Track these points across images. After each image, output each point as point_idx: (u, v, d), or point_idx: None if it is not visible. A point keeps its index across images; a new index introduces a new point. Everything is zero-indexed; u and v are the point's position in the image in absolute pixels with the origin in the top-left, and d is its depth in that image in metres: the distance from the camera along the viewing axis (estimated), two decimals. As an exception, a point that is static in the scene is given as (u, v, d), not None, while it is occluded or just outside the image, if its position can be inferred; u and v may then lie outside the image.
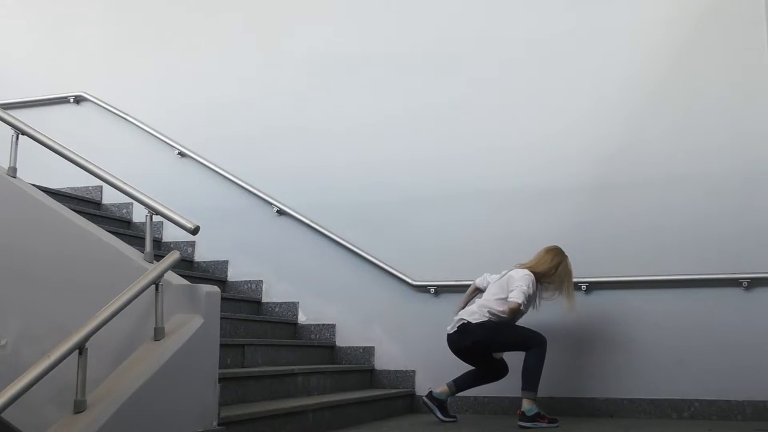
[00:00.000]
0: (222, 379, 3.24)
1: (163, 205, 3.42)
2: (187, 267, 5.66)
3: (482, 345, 4.42)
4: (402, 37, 5.63)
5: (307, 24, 5.93)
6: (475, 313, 4.40)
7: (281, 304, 5.58)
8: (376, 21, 5.75)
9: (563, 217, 4.99)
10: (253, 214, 5.77)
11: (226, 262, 5.80)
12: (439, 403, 4.45)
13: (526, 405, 4.21)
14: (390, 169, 5.45)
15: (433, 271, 5.19)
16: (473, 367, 4.55)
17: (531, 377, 4.27)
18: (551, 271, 4.46)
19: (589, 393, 4.77)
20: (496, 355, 4.58)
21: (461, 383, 4.51)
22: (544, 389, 4.44)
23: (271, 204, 5.70)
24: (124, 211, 6.09)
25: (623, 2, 5.11)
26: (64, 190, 5.86)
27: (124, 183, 3.51)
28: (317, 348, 5.25)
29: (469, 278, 4.86)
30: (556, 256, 4.51)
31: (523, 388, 4.26)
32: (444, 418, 4.43)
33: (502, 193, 5.04)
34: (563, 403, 4.77)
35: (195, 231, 3.41)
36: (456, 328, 4.42)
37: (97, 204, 6.15)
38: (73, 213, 3.53)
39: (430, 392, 4.49)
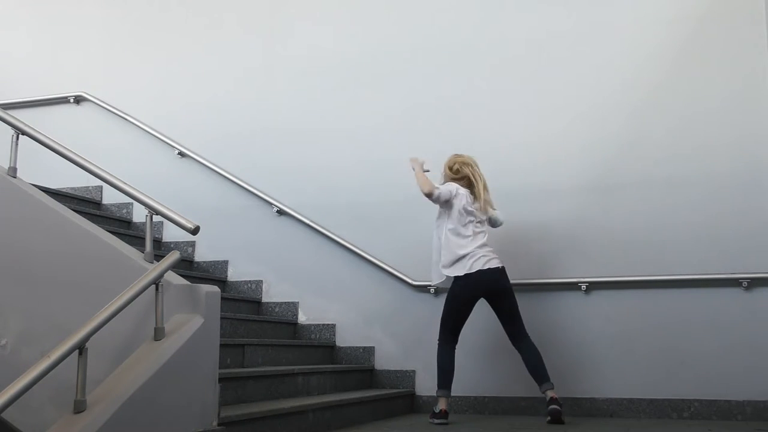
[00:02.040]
0: (222, 379, 3.23)
1: (163, 205, 3.42)
2: (187, 267, 5.66)
3: (510, 293, 4.48)
4: (402, 37, 5.63)
5: (307, 24, 5.93)
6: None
7: (281, 304, 5.58)
8: (376, 21, 5.75)
9: (563, 217, 4.99)
10: (253, 214, 5.77)
11: (226, 262, 5.80)
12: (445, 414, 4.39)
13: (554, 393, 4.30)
14: (390, 169, 5.45)
15: (433, 271, 5.19)
16: (449, 365, 4.47)
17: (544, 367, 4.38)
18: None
19: (589, 393, 4.77)
20: None
21: (449, 381, 4.45)
22: (544, 389, 4.45)
23: (271, 204, 5.70)
24: (124, 211, 6.09)
25: (623, 2, 5.11)
26: (64, 190, 5.86)
27: (124, 183, 3.51)
28: (317, 348, 5.24)
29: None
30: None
31: (548, 380, 4.32)
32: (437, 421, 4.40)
33: (502, 193, 5.01)
34: (563, 403, 4.75)
35: (195, 231, 3.41)
36: (500, 267, 4.43)
37: (97, 204, 6.15)
38: (73, 213, 3.52)
39: (443, 412, 4.35)
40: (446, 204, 4.48)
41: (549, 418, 4.23)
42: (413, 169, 4.61)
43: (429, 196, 4.43)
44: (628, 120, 4.98)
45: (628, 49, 5.04)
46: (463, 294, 4.44)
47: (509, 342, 4.52)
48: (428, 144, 5.37)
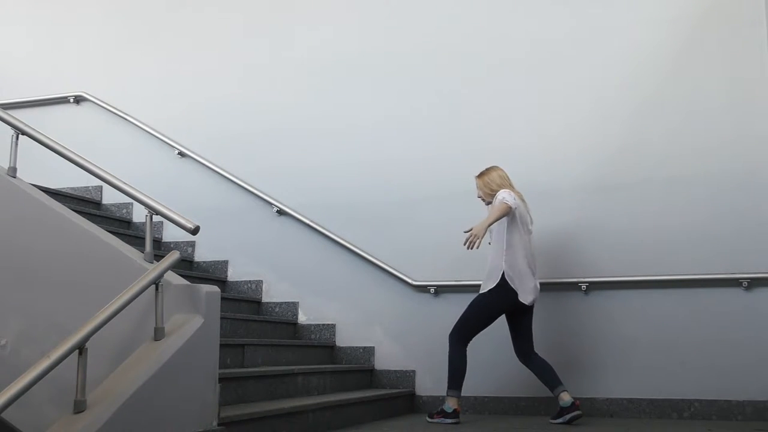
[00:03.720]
0: (222, 379, 3.24)
1: (163, 205, 3.42)
2: (187, 267, 5.66)
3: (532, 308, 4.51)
4: (402, 37, 5.63)
5: (307, 24, 5.93)
6: None
7: (281, 304, 5.58)
8: (376, 21, 5.75)
9: (563, 217, 4.99)
10: (253, 214, 5.77)
11: (226, 262, 5.80)
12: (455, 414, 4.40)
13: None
14: (390, 169, 5.45)
15: (433, 271, 5.19)
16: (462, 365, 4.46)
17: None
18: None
19: (589, 393, 4.77)
20: None
21: (459, 381, 4.45)
22: (545, 389, 4.45)
23: (271, 204, 5.70)
24: (124, 211, 6.09)
25: (623, 2, 5.11)
26: (64, 190, 5.86)
27: (124, 183, 3.51)
28: (317, 348, 5.25)
29: (469, 278, 4.88)
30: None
31: (561, 382, 4.33)
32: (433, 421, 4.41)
33: (502, 193, 5.04)
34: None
35: (195, 231, 3.41)
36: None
37: (97, 204, 6.15)
38: (73, 213, 3.52)
39: (457, 411, 4.38)
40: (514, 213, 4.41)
41: (564, 420, 4.23)
42: (484, 230, 4.33)
43: (509, 210, 4.34)
44: (628, 120, 4.98)
45: (628, 49, 5.04)
46: (503, 302, 4.41)
47: (509, 342, 4.52)
48: (428, 144, 5.38)
